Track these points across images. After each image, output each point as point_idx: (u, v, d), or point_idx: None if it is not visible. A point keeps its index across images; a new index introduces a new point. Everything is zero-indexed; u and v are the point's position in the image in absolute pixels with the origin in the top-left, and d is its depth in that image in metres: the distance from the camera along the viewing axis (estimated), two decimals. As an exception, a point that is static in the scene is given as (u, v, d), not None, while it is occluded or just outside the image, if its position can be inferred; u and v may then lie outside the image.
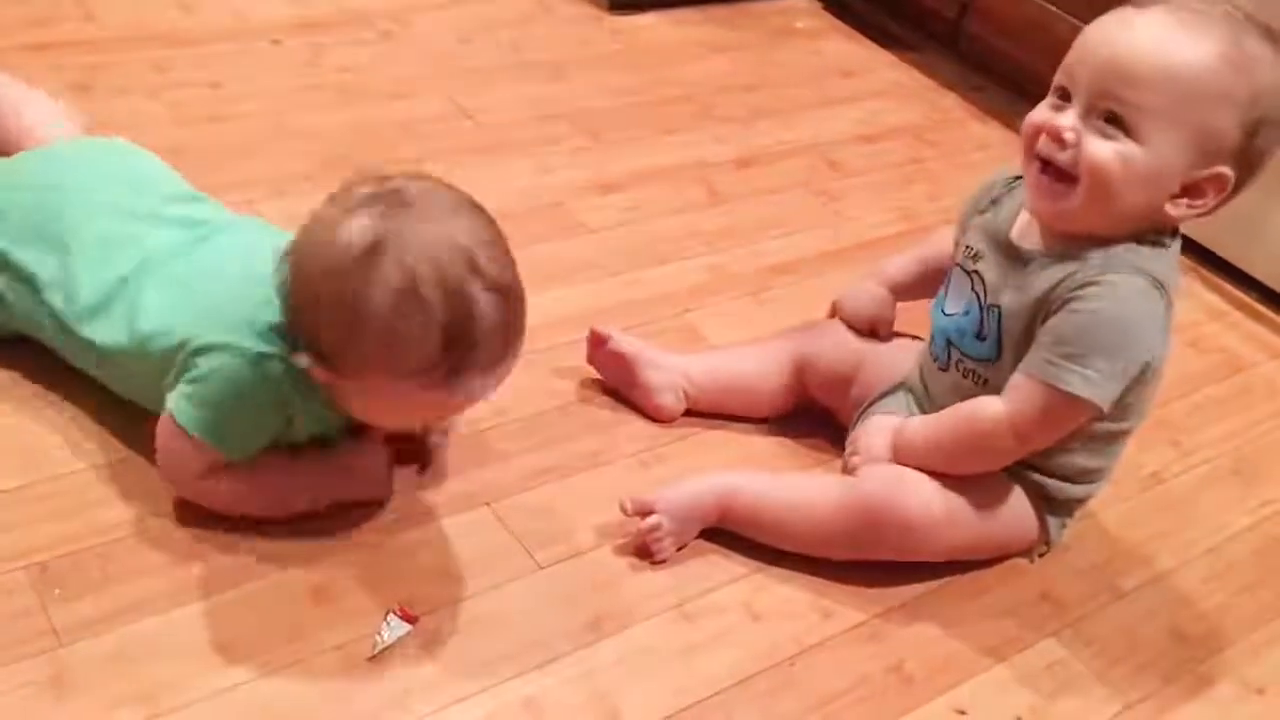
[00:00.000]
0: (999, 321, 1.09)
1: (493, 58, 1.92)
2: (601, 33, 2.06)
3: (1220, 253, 1.71)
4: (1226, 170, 1.01)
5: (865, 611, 1.11)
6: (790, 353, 1.28)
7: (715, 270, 1.53)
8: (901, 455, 1.12)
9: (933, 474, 1.11)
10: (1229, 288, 1.69)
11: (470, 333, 0.94)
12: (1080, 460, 1.13)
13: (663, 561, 1.10)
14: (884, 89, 2.08)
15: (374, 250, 0.93)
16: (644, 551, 1.10)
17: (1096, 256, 1.04)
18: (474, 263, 0.94)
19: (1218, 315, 1.64)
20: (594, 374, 1.31)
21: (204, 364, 1.01)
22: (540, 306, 1.38)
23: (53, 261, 1.09)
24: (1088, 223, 1.05)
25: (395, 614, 1.00)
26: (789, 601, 1.10)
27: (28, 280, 1.09)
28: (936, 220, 1.70)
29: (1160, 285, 1.03)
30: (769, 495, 1.13)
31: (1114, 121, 1.00)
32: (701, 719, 0.99)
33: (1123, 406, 1.08)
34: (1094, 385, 1.02)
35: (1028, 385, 1.05)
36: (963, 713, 1.04)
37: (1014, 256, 1.10)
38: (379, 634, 0.99)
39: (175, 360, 1.02)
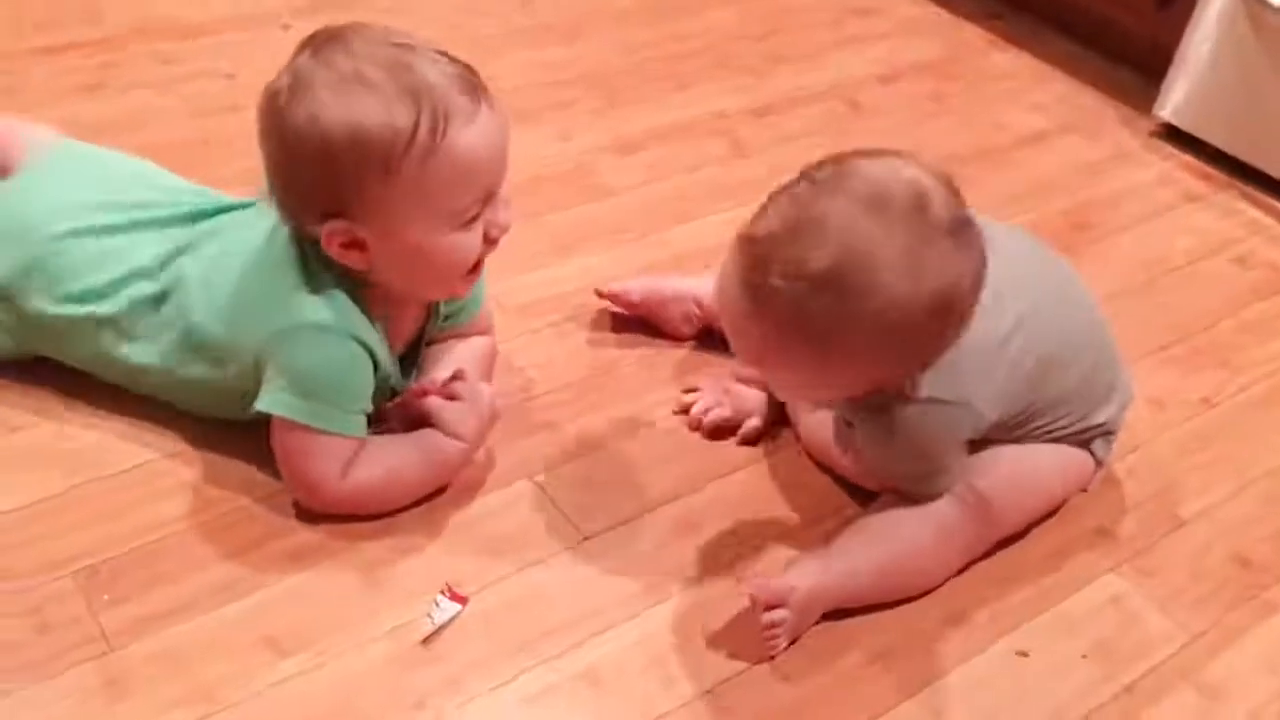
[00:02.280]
0: None
1: (502, 24, 1.89)
2: (610, -9, 2.03)
3: (1258, 164, 1.67)
4: None
5: (918, 559, 1.09)
6: None
7: (741, 223, 1.50)
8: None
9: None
10: (1273, 201, 1.65)
11: (428, 89, 0.94)
12: (1076, 411, 1.10)
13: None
14: (900, 26, 2.04)
15: (296, 83, 0.94)
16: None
17: None
18: (397, 39, 0.96)
19: (1261, 229, 1.60)
20: (627, 336, 1.30)
21: (286, 353, 1.00)
22: (568, 273, 1.39)
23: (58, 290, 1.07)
24: None
25: (445, 595, 0.99)
26: (841, 554, 1.09)
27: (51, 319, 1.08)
28: (961, 155, 1.67)
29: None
30: (876, 563, 1.04)
31: None
32: (760, 680, 0.98)
33: (1027, 404, 1.06)
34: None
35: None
36: (1025, 654, 1.03)
37: None
38: (430, 616, 0.98)
39: (238, 359, 1.02)
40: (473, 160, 0.97)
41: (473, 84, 0.97)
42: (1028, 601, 1.07)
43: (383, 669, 0.95)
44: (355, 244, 0.98)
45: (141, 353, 1.07)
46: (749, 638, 1.01)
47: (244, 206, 1.12)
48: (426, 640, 0.97)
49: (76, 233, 1.08)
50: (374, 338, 1.02)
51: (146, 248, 1.08)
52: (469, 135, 0.95)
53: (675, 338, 1.30)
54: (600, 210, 1.50)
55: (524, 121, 1.64)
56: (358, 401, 1.03)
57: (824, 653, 1.01)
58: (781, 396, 1.13)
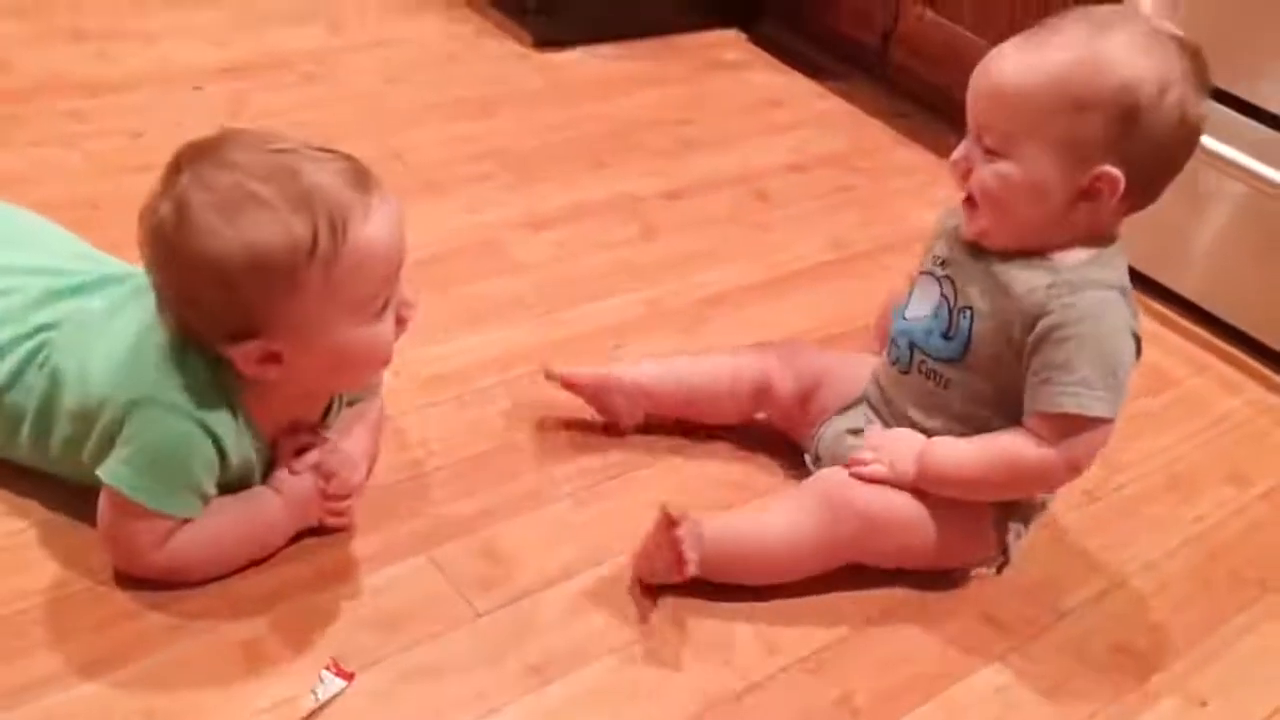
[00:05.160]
0: (970, 321, 1.11)
1: (419, 97, 1.91)
2: (528, 70, 2.06)
3: (1149, 272, 1.73)
4: (1109, 168, 1.03)
5: (810, 644, 1.10)
6: (752, 371, 1.28)
7: (649, 304, 1.53)
8: (927, 480, 1.12)
9: None
10: (1158, 306, 1.72)
11: (320, 194, 0.93)
12: None
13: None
14: (811, 119, 2.10)
15: (180, 210, 0.92)
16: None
17: (1064, 268, 1.07)
18: (276, 144, 0.94)
19: (1146, 334, 1.65)
20: (530, 412, 1.30)
21: (131, 425, 0.97)
22: (473, 346, 1.39)
23: None
24: (1009, 240, 1.10)
25: (329, 670, 0.97)
26: (733, 637, 1.09)
27: None
28: (867, 248, 1.72)
29: (1123, 291, 1.08)
30: (732, 532, 1.11)
31: (992, 148, 1.06)
32: (648, 763, 0.98)
33: None
34: (1108, 403, 1.06)
35: (1058, 421, 1.06)
36: (910, 742, 1.04)
37: (980, 257, 1.12)
38: (313, 692, 0.96)
39: (95, 426, 0.99)
40: (374, 252, 0.96)
41: (359, 176, 0.97)
42: (915, 689, 1.08)
43: (262, 746, 0.93)
44: (270, 358, 0.97)
45: (16, 411, 1.04)
46: (640, 718, 1.00)
47: (129, 276, 1.10)
48: (308, 718, 0.95)
49: None
50: (227, 425, 1.00)
51: (34, 310, 1.06)
52: (368, 229, 0.95)
53: (612, 429, 1.29)
54: (508, 285, 1.51)
55: (436, 193, 1.66)
56: (192, 484, 1.00)
57: (714, 736, 1.01)
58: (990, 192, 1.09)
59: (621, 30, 2.22)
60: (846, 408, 1.24)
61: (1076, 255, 1.08)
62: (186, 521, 1.01)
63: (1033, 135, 1.04)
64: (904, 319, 1.19)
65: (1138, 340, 1.09)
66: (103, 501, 1.00)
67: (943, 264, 1.16)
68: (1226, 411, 1.53)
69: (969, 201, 1.11)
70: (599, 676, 1.03)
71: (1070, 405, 1.05)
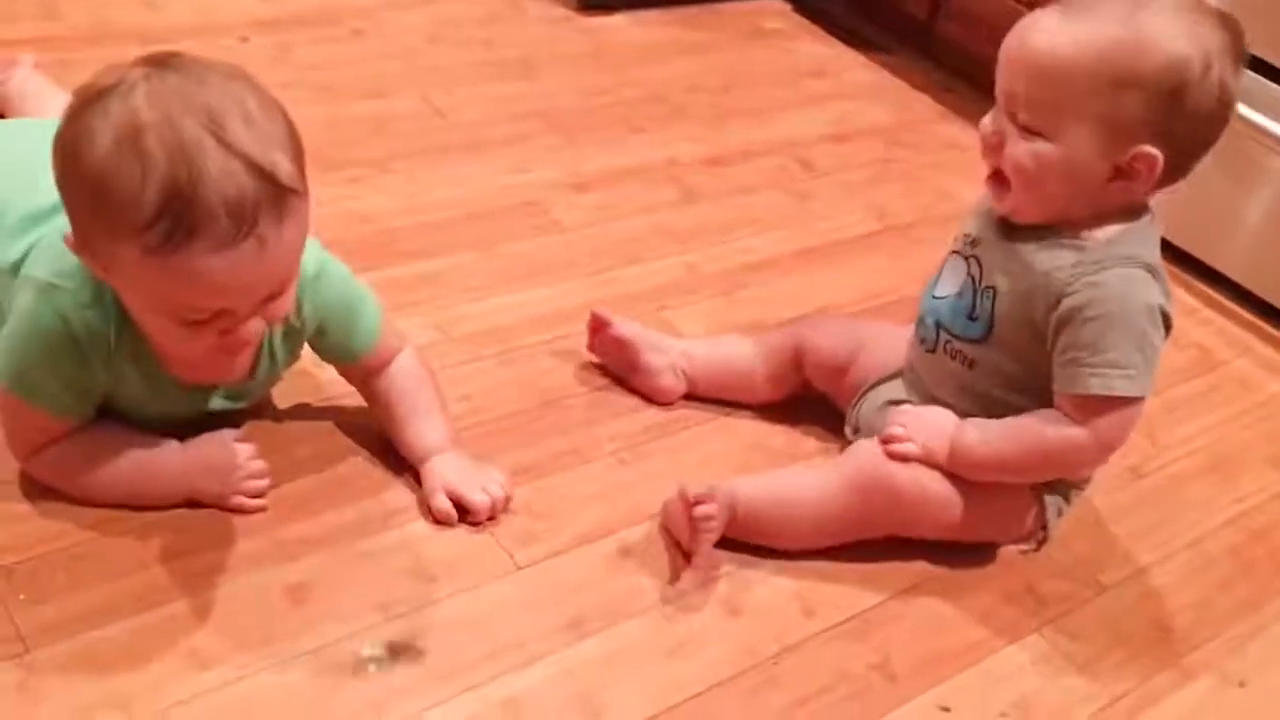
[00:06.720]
0: (992, 302, 1.10)
1: (463, 56, 1.90)
2: (572, 32, 2.05)
3: (1192, 250, 1.72)
4: (1149, 148, 1.01)
5: (848, 609, 1.10)
6: (789, 339, 1.28)
7: (689, 269, 1.52)
8: (958, 464, 1.10)
9: None
10: (1201, 286, 1.70)
11: (192, 194, 0.82)
12: None
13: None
14: (855, 90, 2.08)
15: (108, 91, 0.84)
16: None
17: (1089, 246, 1.05)
18: (218, 123, 0.84)
19: (1190, 312, 1.65)
20: (572, 371, 1.30)
21: (15, 303, 0.96)
22: (515, 305, 1.39)
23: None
24: (1039, 215, 1.08)
25: (373, 616, 0.98)
26: (771, 599, 1.09)
27: None
28: (907, 220, 1.71)
29: (1151, 268, 1.05)
30: (765, 493, 1.12)
31: (1026, 123, 1.03)
32: (684, 719, 0.98)
33: None
34: (1137, 382, 1.04)
35: (1087, 402, 1.05)
36: (947, 709, 1.03)
37: (1008, 236, 1.10)
38: (356, 636, 0.97)
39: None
40: (203, 284, 0.87)
41: (256, 214, 0.85)
42: (953, 656, 1.08)
43: (305, 687, 0.93)
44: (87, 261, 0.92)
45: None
46: (676, 676, 1.01)
47: None
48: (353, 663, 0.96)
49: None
50: (96, 340, 0.95)
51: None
52: (208, 261, 0.85)
53: (645, 391, 1.28)
54: (551, 245, 1.51)
55: (478, 152, 1.66)
56: (55, 379, 0.96)
57: (749, 694, 1.01)
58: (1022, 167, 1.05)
59: (666, -5, 2.21)
60: (888, 378, 1.23)
61: (1105, 231, 1.06)
62: (80, 432, 1.00)
63: (1072, 112, 1.01)
64: (933, 297, 1.18)
65: (1167, 318, 1.06)
66: None
67: (973, 243, 1.14)
68: (1271, 394, 1.51)
69: (997, 177, 1.08)
70: (636, 633, 1.04)
71: (1098, 387, 1.04)
